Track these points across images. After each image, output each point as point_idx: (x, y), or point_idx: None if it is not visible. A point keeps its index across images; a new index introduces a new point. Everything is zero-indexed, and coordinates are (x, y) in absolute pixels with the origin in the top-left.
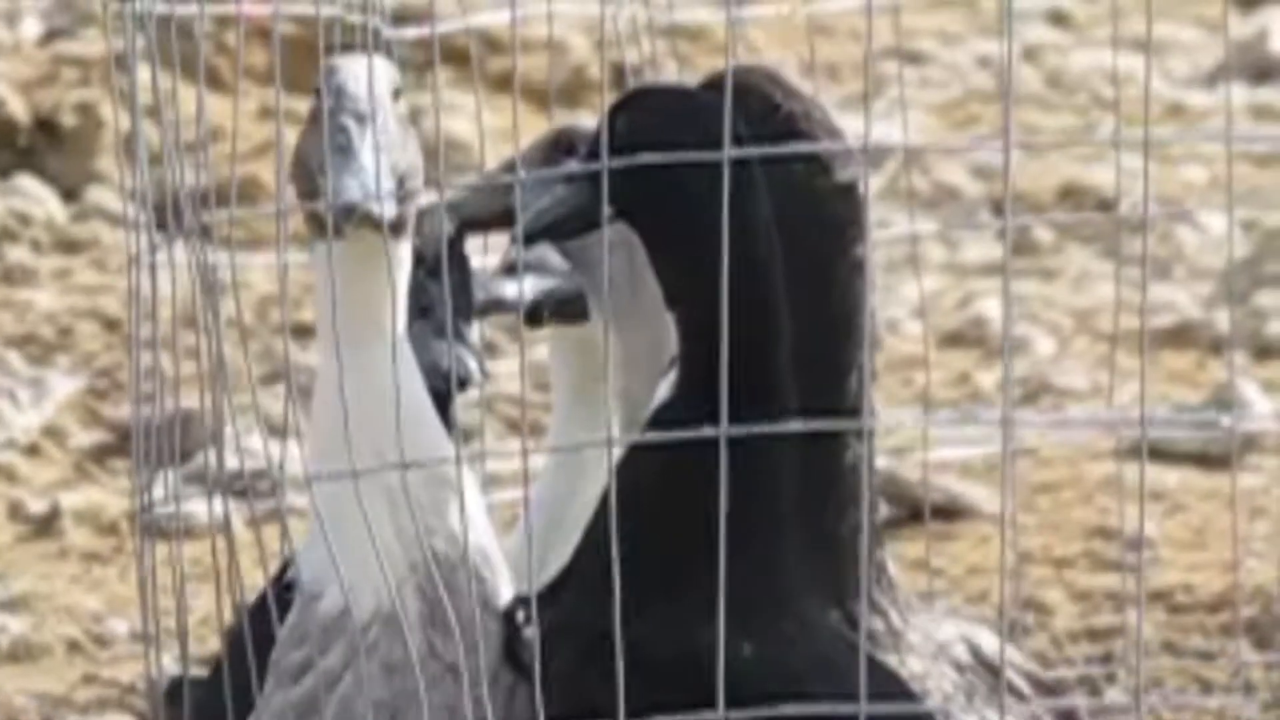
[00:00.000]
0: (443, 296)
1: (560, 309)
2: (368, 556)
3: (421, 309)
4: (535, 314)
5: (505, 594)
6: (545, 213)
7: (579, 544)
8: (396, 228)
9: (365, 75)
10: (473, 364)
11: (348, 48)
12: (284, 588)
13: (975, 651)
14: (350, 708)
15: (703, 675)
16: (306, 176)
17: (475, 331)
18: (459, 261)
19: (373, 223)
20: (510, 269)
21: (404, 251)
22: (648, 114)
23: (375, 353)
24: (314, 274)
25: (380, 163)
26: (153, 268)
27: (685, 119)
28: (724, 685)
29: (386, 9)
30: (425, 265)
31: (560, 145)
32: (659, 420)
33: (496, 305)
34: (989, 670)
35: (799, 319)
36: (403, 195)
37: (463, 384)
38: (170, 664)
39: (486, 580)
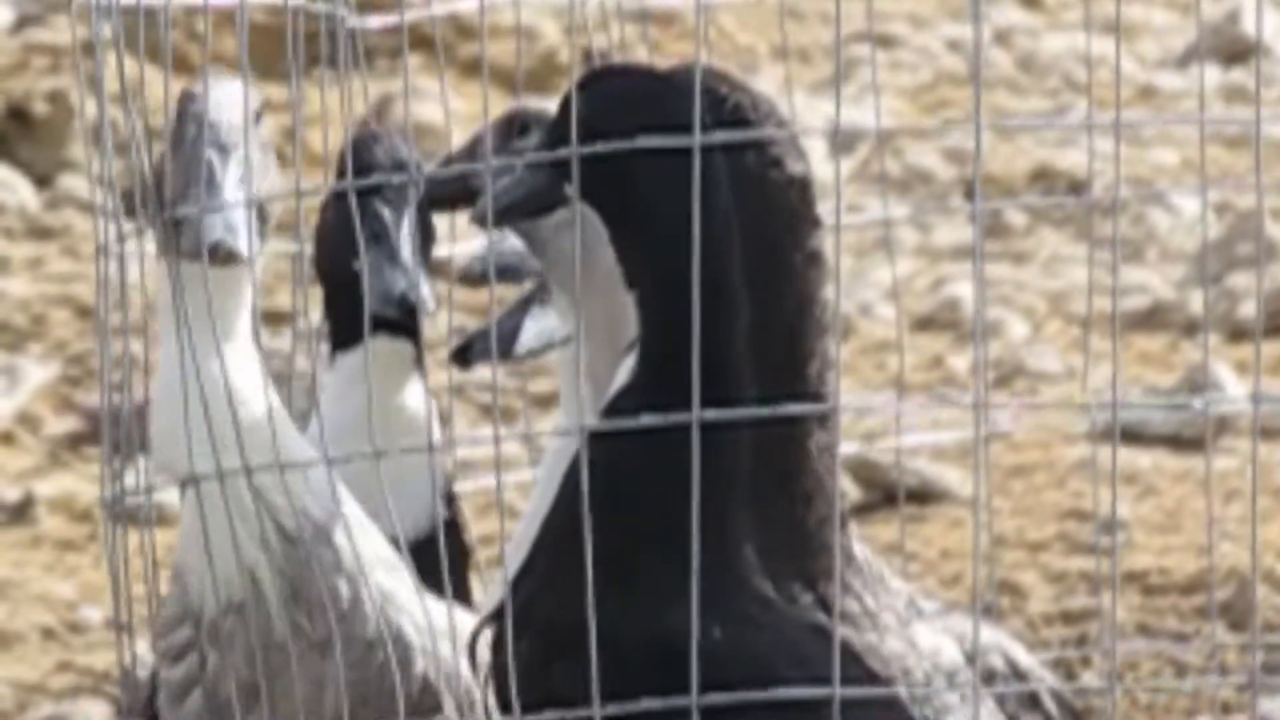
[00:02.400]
0: (397, 222)
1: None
2: (213, 549)
3: (374, 235)
4: (463, 353)
5: (374, 554)
6: (506, 194)
7: (538, 532)
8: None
9: (228, 101)
10: (425, 291)
11: (312, 37)
12: None
13: (1013, 664)
14: (218, 688)
15: (674, 660)
16: (161, 198)
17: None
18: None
19: (233, 257)
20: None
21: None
22: (608, 96)
23: (219, 359)
24: (163, 280)
25: (242, 193)
26: (121, 256)
27: (646, 101)
28: (696, 670)
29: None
30: (382, 194)
31: (514, 126)
32: (618, 406)
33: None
34: (1020, 680)
35: (756, 310)
36: (260, 224)
37: (413, 311)
38: (145, 651)
39: (344, 549)
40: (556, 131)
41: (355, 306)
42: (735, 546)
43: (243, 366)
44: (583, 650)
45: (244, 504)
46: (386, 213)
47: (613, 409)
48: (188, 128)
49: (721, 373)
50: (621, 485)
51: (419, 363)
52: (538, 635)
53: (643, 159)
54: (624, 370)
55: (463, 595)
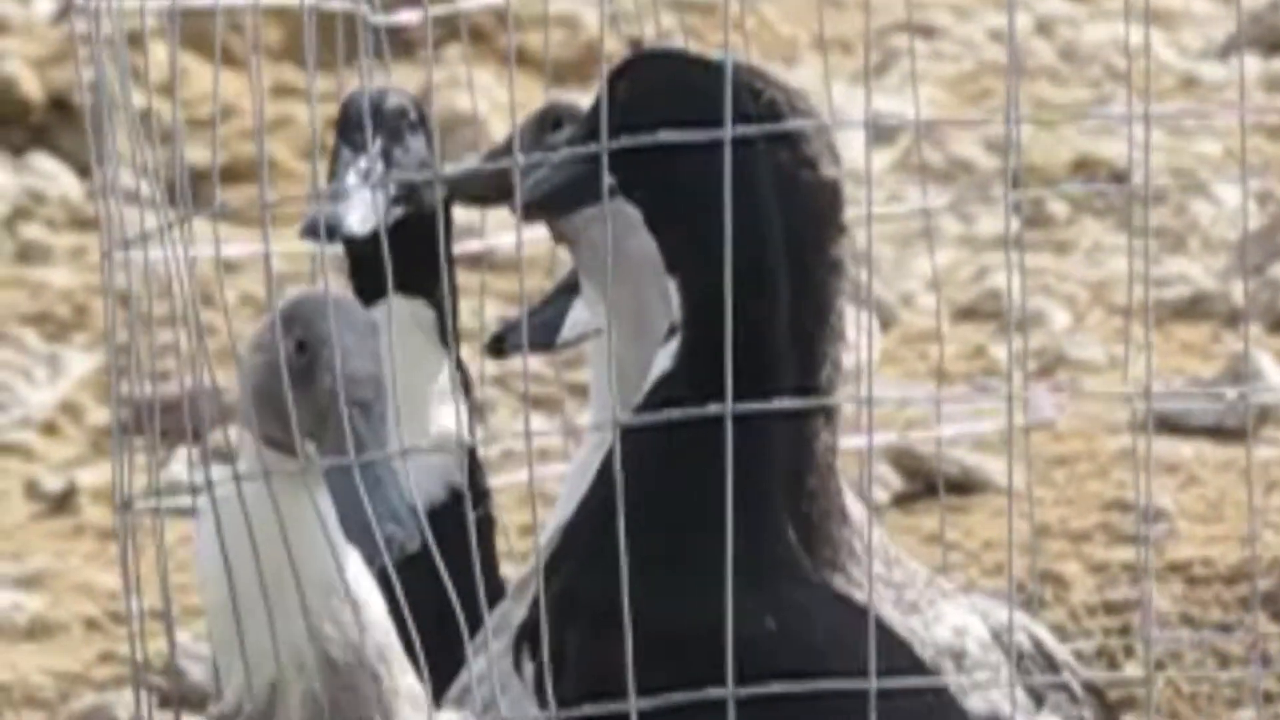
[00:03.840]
0: (353, 159)
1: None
2: (248, 652)
3: (331, 174)
4: (498, 342)
5: (408, 689)
6: (540, 186)
7: (575, 513)
8: None
9: (358, 342)
10: (349, 213)
11: (329, 34)
12: None
13: (1037, 643)
14: None
15: (724, 648)
16: (276, 419)
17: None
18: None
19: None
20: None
21: None
22: (645, 83)
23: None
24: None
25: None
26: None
27: (686, 90)
28: (748, 659)
29: None
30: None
31: (548, 120)
32: (660, 391)
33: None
34: (1050, 664)
35: None
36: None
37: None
38: (189, 641)
39: (383, 680)
40: (593, 121)
41: (365, 266)
42: (777, 532)
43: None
44: (635, 637)
45: (293, 628)
46: (345, 152)
47: (654, 394)
48: (324, 377)
49: (764, 359)
50: (662, 471)
51: (442, 328)
52: (588, 618)
53: (682, 148)
54: (664, 356)
55: (489, 564)
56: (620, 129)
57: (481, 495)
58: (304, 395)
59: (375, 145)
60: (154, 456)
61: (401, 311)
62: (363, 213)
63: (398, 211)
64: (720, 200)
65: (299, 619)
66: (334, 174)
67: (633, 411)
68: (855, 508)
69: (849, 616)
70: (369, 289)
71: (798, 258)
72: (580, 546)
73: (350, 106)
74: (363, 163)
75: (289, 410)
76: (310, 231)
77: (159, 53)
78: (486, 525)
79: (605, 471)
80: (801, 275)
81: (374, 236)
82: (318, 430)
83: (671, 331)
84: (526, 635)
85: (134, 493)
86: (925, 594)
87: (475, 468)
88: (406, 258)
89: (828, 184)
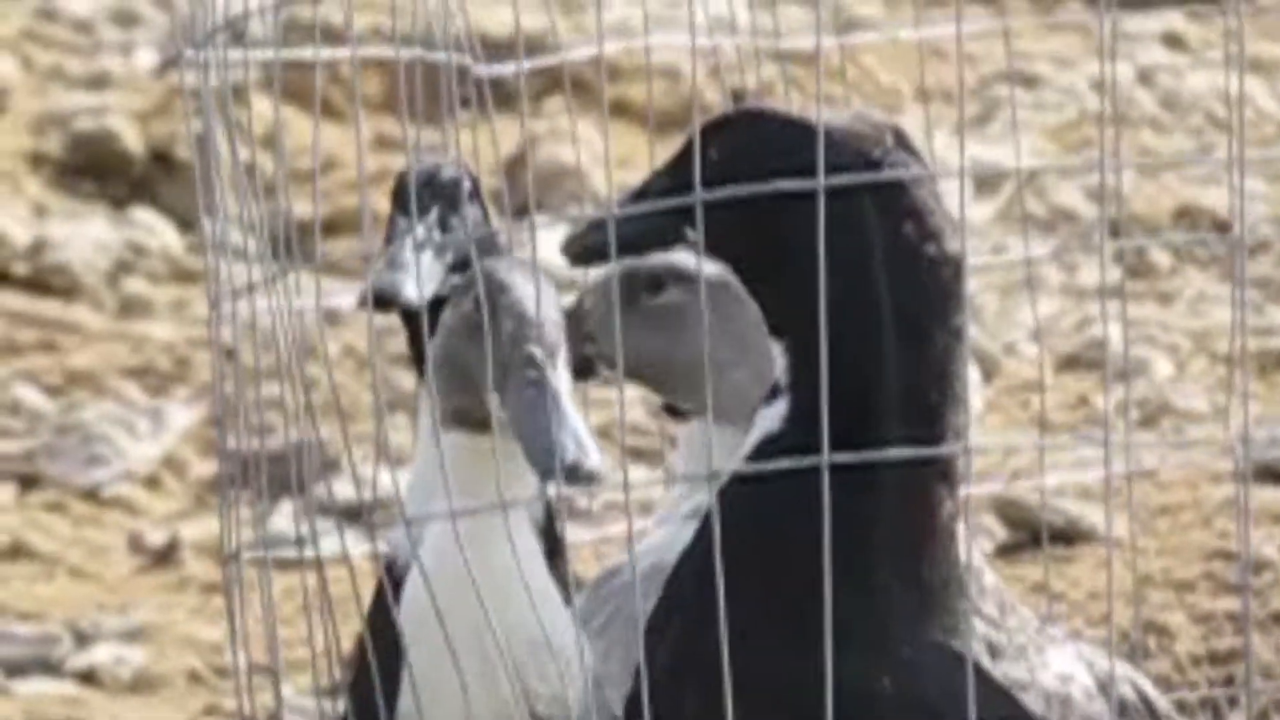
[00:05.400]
0: (409, 228)
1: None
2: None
3: (387, 239)
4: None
5: None
6: (618, 230)
7: (677, 572)
8: None
9: (534, 292)
10: (405, 284)
11: (437, 85)
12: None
13: (1143, 696)
14: None
15: (848, 708)
16: (461, 383)
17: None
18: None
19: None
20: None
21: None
22: (742, 141)
23: (493, 530)
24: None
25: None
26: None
27: (784, 149)
28: (863, 718)
29: (478, 45)
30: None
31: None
32: (765, 453)
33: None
34: (1153, 717)
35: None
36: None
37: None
38: (292, 695)
39: None
40: (679, 171)
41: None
42: (887, 592)
43: (526, 549)
44: (752, 698)
45: (499, 687)
46: (401, 221)
47: (758, 456)
48: (505, 322)
49: (873, 421)
50: (766, 528)
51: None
52: (704, 685)
53: (785, 204)
54: (769, 418)
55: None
56: (712, 186)
57: (557, 546)
58: (478, 341)
59: (431, 215)
60: (258, 509)
61: None
62: (420, 282)
63: (455, 279)
64: (828, 257)
65: (505, 679)
66: (390, 242)
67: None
68: (966, 554)
69: (962, 676)
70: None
71: (920, 328)
72: (689, 607)
73: (406, 177)
74: (420, 231)
75: (472, 368)
76: (368, 300)
77: (259, 105)
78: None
79: (707, 529)
80: (924, 345)
81: (431, 304)
82: (501, 381)
83: (774, 393)
84: (636, 704)
85: (240, 544)
86: (1035, 640)
87: (551, 519)
88: None
89: (951, 258)
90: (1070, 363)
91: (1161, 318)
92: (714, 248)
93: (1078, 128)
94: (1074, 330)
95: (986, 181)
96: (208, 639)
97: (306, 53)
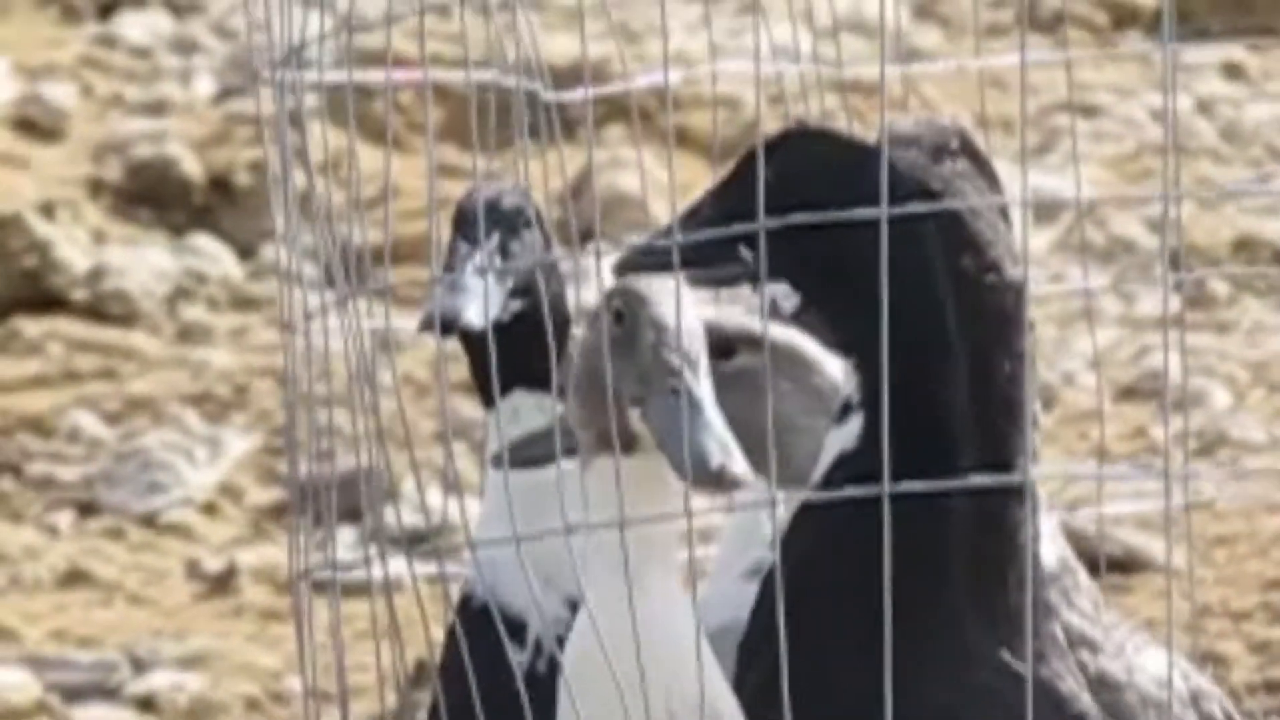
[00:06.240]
0: (470, 253)
1: None
2: None
3: (446, 266)
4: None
5: None
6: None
7: (762, 598)
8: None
9: (676, 302)
10: (468, 307)
11: (504, 111)
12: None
13: (1229, 717)
14: None
15: None
16: (598, 402)
17: None
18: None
19: (735, 481)
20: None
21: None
22: (799, 163)
23: (649, 580)
24: (588, 487)
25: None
26: (306, 329)
27: (840, 170)
28: None
29: (546, 71)
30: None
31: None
32: (840, 472)
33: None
34: None
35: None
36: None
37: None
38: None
39: None
40: (732, 190)
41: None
42: (963, 616)
43: (677, 609)
44: None
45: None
46: (462, 246)
47: (834, 474)
48: (646, 333)
49: (945, 439)
50: (845, 553)
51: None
52: (794, 708)
53: (847, 227)
54: (843, 435)
55: None
56: (771, 208)
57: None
58: (627, 362)
59: (492, 240)
60: (324, 532)
61: (526, 404)
62: (480, 305)
63: (516, 305)
64: (892, 279)
65: None
66: (450, 268)
67: (811, 490)
68: (1054, 554)
69: (1042, 704)
70: (488, 387)
71: (985, 357)
72: (772, 634)
73: (466, 203)
74: (479, 257)
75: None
76: (428, 325)
77: (319, 132)
78: None
79: (786, 556)
80: (989, 373)
81: (493, 331)
82: (642, 393)
83: (845, 410)
84: None
85: (308, 565)
86: (1131, 639)
87: None
88: (526, 351)
89: (1013, 285)
90: (1128, 393)
91: (1219, 347)
92: (776, 269)
93: (1137, 158)
94: (1131, 360)
95: (1045, 211)
96: (265, 665)
97: (378, 76)
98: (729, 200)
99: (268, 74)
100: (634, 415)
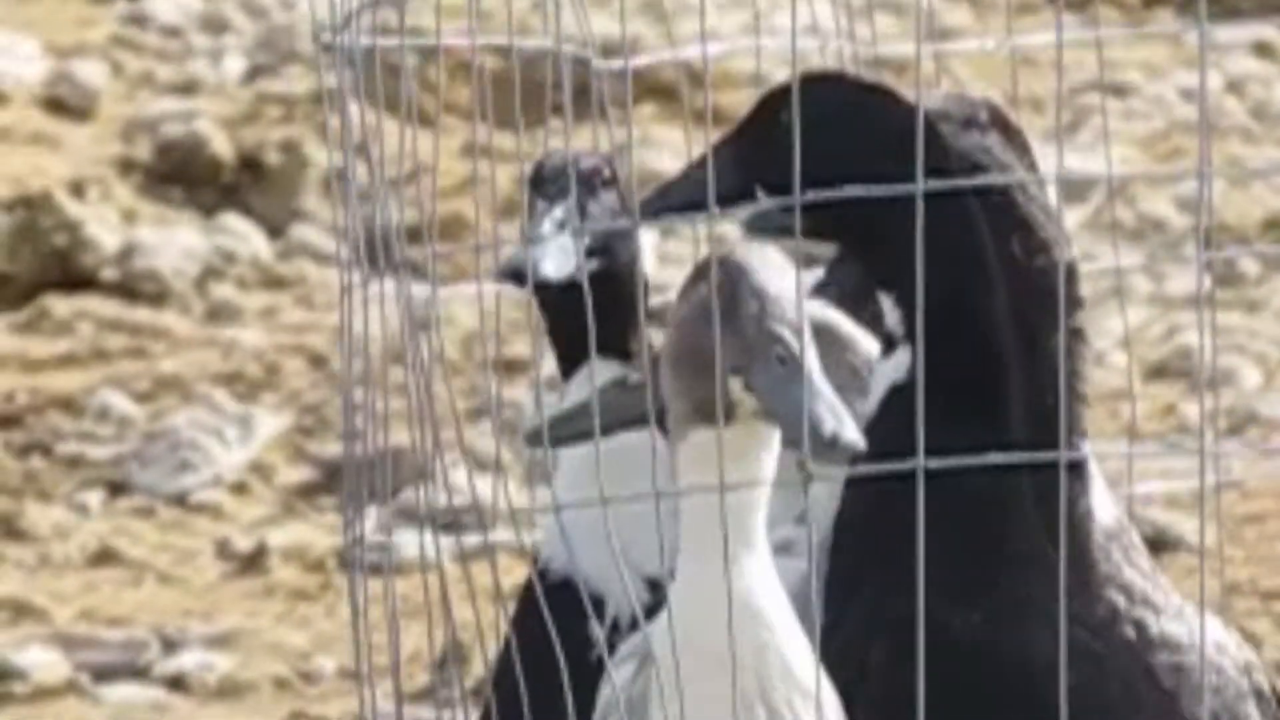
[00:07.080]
0: (548, 209)
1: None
2: None
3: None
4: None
5: None
6: (684, 191)
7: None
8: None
9: (776, 274)
10: (546, 260)
11: (555, 83)
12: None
13: (1276, 693)
14: None
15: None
16: (694, 372)
17: None
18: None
19: (848, 448)
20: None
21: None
22: (817, 110)
23: (743, 554)
24: (681, 465)
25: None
26: (364, 303)
27: (859, 115)
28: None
29: (595, 40)
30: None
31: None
32: (896, 403)
33: None
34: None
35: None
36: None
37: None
38: (381, 700)
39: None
40: (747, 134)
41: (564, 326)
42: (1046, 574)
43: (767, 585)
44: (942, 660)
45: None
46: (540, 203)
47: (890, 407)
48: (748, 303)
49: (998, 411)
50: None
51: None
52: (894, 638)
53: (877, 172)
54: (891, 368)
55: None
56: (791, 155)
57: None
58: (729, 333)
59: (571, 198)
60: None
61: (604, 374)
62: (559, 259)
63: (593, 264)
64: (926, 216)
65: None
66: (530, 224)
67: (869, 424)
68: (1111, 514)
69: (1138, 667)
70: (568, 353)
71: (1037, 336)
72: (881, 568)
73: (545, 162)
74: (558, 212)
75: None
76: (507, 274)
77: (354, 110)
78: None
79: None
80: (1042, 351)
81: (570, 292)
82: (744, 362)
83: (889, 344)
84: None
85: (361, 534)
86: (1186, 608)
87: None
88: (602, 317)
89: (1063, 266)
90: (1158, 371)
91: (1249, 326)
92: (807, 213)
93: (1167, 137)
94: (1162, 339)
95: (1075, 190)
96: (294, 645)
97: (429, 41)
98: (745, 145)
99: (326, 38)
100: (734, 385)
